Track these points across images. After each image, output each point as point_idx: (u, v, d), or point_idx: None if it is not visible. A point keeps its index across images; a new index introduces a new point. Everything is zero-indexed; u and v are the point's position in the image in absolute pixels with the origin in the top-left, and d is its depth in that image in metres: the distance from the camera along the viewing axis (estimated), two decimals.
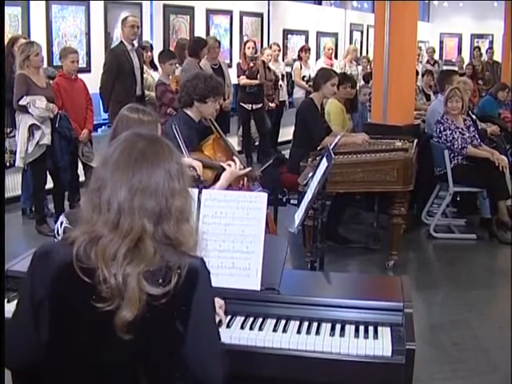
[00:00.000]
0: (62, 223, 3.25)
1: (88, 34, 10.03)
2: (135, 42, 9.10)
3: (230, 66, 12.85)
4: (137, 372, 2.15)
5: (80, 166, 8.31)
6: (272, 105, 12.30)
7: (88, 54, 10.07)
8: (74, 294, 2.14)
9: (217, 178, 4.80)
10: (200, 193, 3.14)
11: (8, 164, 7.86)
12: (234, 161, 4.85)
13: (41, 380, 2.24)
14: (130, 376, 2.15)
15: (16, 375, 2.81)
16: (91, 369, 2.16)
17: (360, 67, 14.59)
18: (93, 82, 8.87)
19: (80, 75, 8.43)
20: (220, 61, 10.25)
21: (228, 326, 2.92)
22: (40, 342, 2.20)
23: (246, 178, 5.20)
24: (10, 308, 2.99)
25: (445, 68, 16.05)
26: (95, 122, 9.09)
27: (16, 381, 2.86)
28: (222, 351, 2.32)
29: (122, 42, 8.88)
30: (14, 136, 7.64)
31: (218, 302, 2.82)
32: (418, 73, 11.48)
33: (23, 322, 2.24)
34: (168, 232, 2.15)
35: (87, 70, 9.90)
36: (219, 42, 10.77)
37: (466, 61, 18.11)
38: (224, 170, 4.76)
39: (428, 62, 17.93)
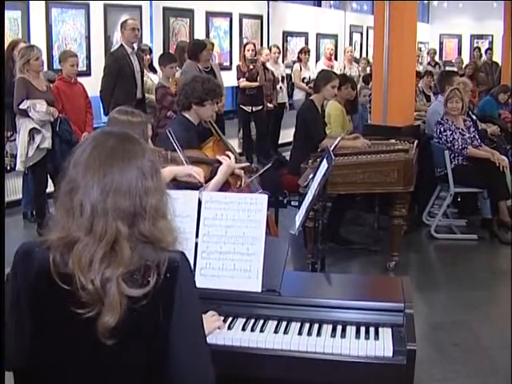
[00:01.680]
0: None
1: (88, 37, 10.03)
2: (135, 45, 9.11)
3: (229, 68, 12.88)
4: (121, 376, 2.11)
5: None
6: (270, 105, 12.30)
7: (88, 57, 10.06)
8: (53, 301, 2.10)
9: (213, 175, 4.80)
10: (200, 192, 3.15)
11: (9, 168, 7.87)
12: (229, 156, 4.86)
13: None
14: (114, 381, 2.12)
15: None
16: (74, 375, 2.12)
17: (360, 68, 14.61)
18: (93, 85, 8.89)
19: (80, 79, 8.45)
20: (212, 63, 10.24)
21: (229, 327, 2.92)
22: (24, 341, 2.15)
23: (242, 179, 5.17)
24: None
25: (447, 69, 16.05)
26: (95, 125, 9.07)
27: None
28: (209, 351, 2.26)
29: (122, 45, 8.89)
30: (15, 140, 7.65)
31: (208, 318, 2.80)
32: (418, 74, 11.48)
33: (10, 322, 2.19)
34: (144, 231, 2.10)
35: (87, 73, 9.89)
36: (212, 45, 10.78)
37: (466, 61, 18.11)
38: (220, 164, 4.76)
39: (429, 63, 17.94)
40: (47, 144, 7.51)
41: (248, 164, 5.32)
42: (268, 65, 12.44)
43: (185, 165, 4.50)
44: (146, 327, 2.09)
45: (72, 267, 2.03)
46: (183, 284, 2.12)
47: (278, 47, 13.35)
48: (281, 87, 12.90)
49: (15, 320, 2.17)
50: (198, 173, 4.42)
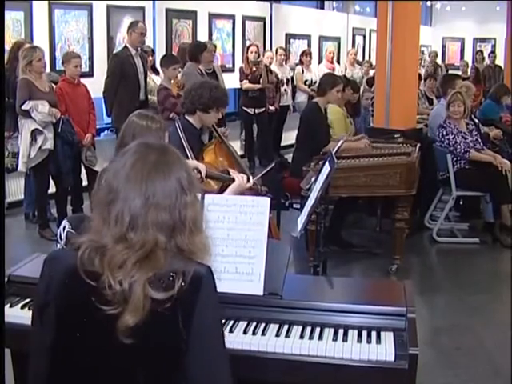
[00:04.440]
0: (64, 228, 3.25)
1: (91, 38, 10.04)
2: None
3: (232, 70, 12.88)
4: (138, 377, 2.13)
5: (83, 170, 8.32)
6: (272, 108, 12.28)
7: (91, 58, 10.07)
8: (78, 296, 2.15)
9: (222, 190, 4.79)
10: (202, 198, 3.14)
11: (10, 168, 7.86)
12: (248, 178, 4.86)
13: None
14: (131, 381, 2.14)
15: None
16: (94, 372, 2.15)
17: (363, 70, 14.61)
18: (95, 86, 8.88)
19: (83, 80, 8.44)
20: (213, 65, 10.24)
21: (231, 330, 2.92)
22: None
23: None
24: (12, 312, 3.01)
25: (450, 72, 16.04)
26: (98, 127, 9.11)
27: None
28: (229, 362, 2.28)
29: (126, 46, 8.89)
30: (17, 137, 7.65)
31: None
32: (420, 77, 11.48)
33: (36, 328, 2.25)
34: (181, 244, 2.15)
35: (90, 74, 9.89)
36: (215, 46, 10.78)
37: (469, 65, 18.14)
38: (232, 181, 4.75)
39: (432, 64, 17.92)
40: (49, 145, 7.51)
41: (257, 186, 5.30)
42: (273, 67, 12.47)
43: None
44: (166, 330, 2.12)
45: (100, 267, 2.08)
46: (205, 297, 2.15)
47: (283, 49, 13.37)
48: (285, 89, 12.90)
49: (38, 330, 2.23)
50: (203, 168, 4.45)
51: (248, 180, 4.90)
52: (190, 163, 4.45)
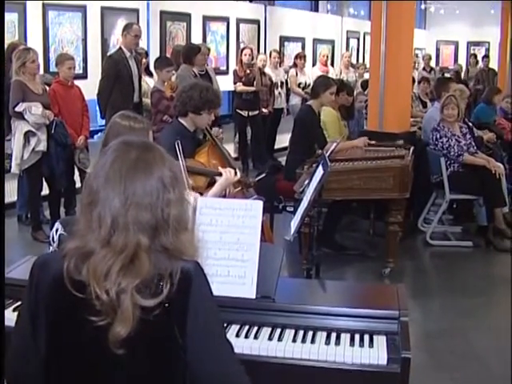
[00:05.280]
0: (57, 230, 3.24)
1: (85, 40, 10.03)
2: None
3: (226, 72, 12.88)
4: None
5: (76, 172, 8.31)
6: (265, 111, 12.27)
7: (85, 60, 10.06)
8: (66, 308, 2.10)
9: (209, 186, 4.80)
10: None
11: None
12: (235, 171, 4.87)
13: None
14: None
15: None
16: (84, 382, 2.12)
17: (357, 74, 14.63)
18: (89, 88, 8.87)
19: (76, 81, 8.43)
20: (207, 68, 10.24)
21: None
22: (38, 355, 2.16)
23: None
24: (5, 315, 2.99)
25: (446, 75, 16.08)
26: (92, 129, 9.09)
27: None
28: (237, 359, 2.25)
29: (120, 48, 8.88)
30: (10, 139, 7.63)
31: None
32: (414, 80, 11.49)
33: (23, 333, 2.20)
34: (166, 243, 2.10)
35: (84, 76, 9.88)
36: (209, 49, 10.78)
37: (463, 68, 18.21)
38: (219, 175, 4.76)
39: (424, 69, 17.98)
40: (42, 147, 7.49)
41: (246, 178, 5.31)
42: (267, 69, 12.47)
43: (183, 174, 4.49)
44: (159, 337, 2.09)
45: (87, 276, 2.03)
46: (197, 294, 2.11)
47: (277, 52, 13.39)
48: (279, 92, 12.91)
49: (27, 331, 2.18)
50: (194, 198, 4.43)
51: (235, 174, 4.91)
52: None
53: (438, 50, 22.93)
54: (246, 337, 2.92)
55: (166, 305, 2.05)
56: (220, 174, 4.80)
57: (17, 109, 7.35)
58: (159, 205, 2.09)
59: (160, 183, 2.10)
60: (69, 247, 2.10)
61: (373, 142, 7.82)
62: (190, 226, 2.22)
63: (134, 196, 2.06)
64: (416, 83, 12.35)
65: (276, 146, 13.38)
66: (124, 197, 2.06)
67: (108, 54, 9.62)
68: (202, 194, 4.55)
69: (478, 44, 22.13)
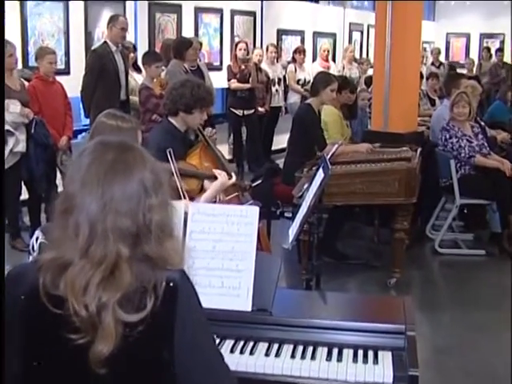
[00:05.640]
0: (37, 238, 3.24)
1: (67, 32, 10.00)
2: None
3: (219, 68, 12.89)
4: None
5: (58, 175, 8.29)
6: (261, 109, 12.30)
7: (67, 54, 10.04)
8: (44, 326, 2.07)
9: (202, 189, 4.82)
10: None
11: None
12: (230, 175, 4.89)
13: None
14: None
15: None
16: None
17: (361, 69, 14.64)
18: (72, 84, 8.87)
19: (58, 77, 8.43)
20: (199, 63, 10.25)
21: None
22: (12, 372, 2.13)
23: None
24: None
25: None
26: (75, 128, 9.09)
27: None
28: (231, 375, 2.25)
29: (105, 42, 8.89)
30: None
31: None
32: (422, 76, 11.51)
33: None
34: (149, 252, 2.07)
35: (66, 71, 9.87)
36: (201, 44, 10.80)
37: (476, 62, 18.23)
38: (214, 179, 4.78)
39: (433, 63, 18.00)
40: (21, 148, 7.48)
41: (240, 182, 5.33)
42: (264, 65, 12.48)
43: (175, 177, 4.50)
44: (144, 355, 2.06)
45: (64, 291, 2.00)
46: (184, 305, 2.09)
47: (274, 46, 13.38)
48: (277, 90, 12.92)
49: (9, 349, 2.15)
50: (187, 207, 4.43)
51: (230, 177, 4.92)
52: (176, 203, 4.45)
53: (447, 43, 22.91)
54: (241, 353, 2.93)
55: (151, 319, 2.02)
56: (214, 177, 4.81)
57: None
58: (140, 210, 2.06)
59: (141, 186, 2.07)
60: (44, 259, 2.07)
61: (377, 146, 7.78)
62: (175, 232, 2.19)
63: (112, 201, 2.03)
64: (424, 79, 12.37)
65: (273, 148, 13.40)
66: (102, 202, 2.03)
67: (92, 47, 9.63)
68: (193, 198, 4.56)
69: (491, 36, 22.09)
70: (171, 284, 2.07)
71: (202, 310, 2.20)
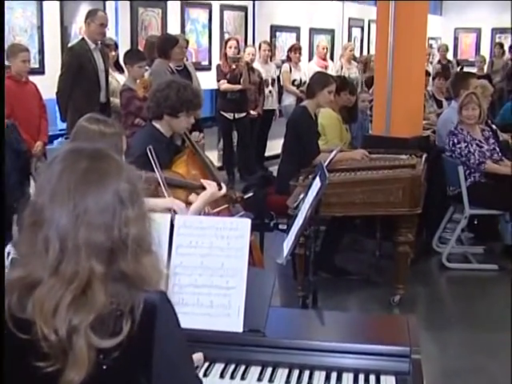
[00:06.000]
0: (9, 254, 3.23)
1: (41, 28, 9.98)
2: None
3: (208, 68, 12.90)
4: None
5: (32, 183, 8.29)
6: (253, 113, 12.32)
7: (41, 52, 10.02)
8: (10, 352, 2.04)
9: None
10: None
11: None
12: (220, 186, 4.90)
13: None
14: None
15: None
16: None
17: (360, 69, 14.67)
18: (47, 85, 8.88)
19: (32, 77, 8.45)
20: (186, 62, 10.27)
21: (205, 374, 2.91)
22: None
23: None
24: None
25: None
26: (50, 133, 9.08)
27: None
28: None
29: (83, 38, 8.90)
30: None
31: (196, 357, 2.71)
32: (428, 75, 11.53)
33: None
34: (125, 269, 2.04)
35: (40, 71, 9.85)
36: (187, 41, 10.82)
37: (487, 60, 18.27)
38: (203, 189, 4.79)
39: (440, 62, 18.04)
40: None
41: (231, 192, 5.34)
42: (256, 64, 12.49)
43: (162, 187, 4.51)
44: (120, 383, 2.04)
45: (32, 313, 1.97)
46: (163, 329, 2.07)
47: (268, 44, 13.39)
48: (270, 91, 12.93)
49: None
50: (179, 208, 4.42)
51: (220, 188, 4.93)
52: (163, 202, 4.46)
53: (456, 39, 22.93)
54: (232, 377, 2.93)
55: (127, 345, 1.99)
56: (202, 188, 4.81)
57: None
58: (116, 223, 2.04)
59: (116, 198, 2.06)
60: (10, 278, 2.05)
61: (375, 152, 7.80)
62: (153, 247, 2.16)
63: (85, 214, 2.01)
64: (430, 79, 12.41)
65: (266, 154, 13.43)
66: (74, 215, 2.01)
67: (69, 45, 9.63)
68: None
69: (504, 31, 22.00)
70: (150, 306, 2.05)
71: (181, 332, 2.19)
